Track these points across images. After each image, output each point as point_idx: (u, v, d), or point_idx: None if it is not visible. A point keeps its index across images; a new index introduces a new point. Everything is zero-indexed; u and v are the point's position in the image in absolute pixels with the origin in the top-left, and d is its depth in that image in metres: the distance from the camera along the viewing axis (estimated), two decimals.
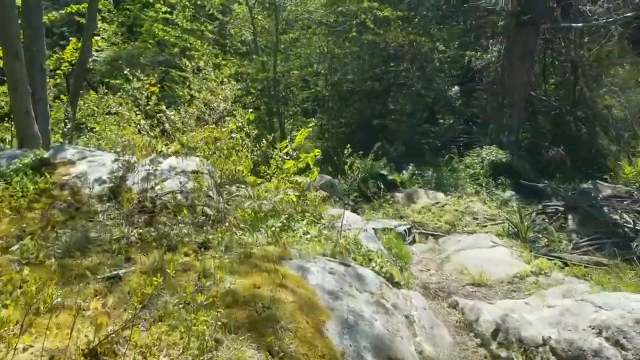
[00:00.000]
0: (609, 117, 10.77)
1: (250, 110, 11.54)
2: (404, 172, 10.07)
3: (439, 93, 14.08)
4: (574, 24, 9.65)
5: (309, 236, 4.23)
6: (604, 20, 9.35)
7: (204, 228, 3.67)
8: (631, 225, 5.78)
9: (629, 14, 8.90)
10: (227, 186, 4.91)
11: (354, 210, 8.62)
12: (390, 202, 8.45)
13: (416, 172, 9.94)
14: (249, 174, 4.99)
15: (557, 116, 11.30)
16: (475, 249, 5.31)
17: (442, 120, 12.72)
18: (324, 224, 4.89)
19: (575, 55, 10.34)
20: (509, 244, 5.66)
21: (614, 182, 9.22)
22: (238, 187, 5.10)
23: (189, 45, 11.55)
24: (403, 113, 12.52)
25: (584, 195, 7.56)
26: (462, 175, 9.31)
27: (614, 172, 9.55)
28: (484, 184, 8.85)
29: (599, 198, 7.12)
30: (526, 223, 6.22)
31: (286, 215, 4.47)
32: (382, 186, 10.06)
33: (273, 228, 3.96)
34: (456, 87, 15.17)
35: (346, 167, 9.33)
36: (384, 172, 10.05)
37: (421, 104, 13.30)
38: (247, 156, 5.21)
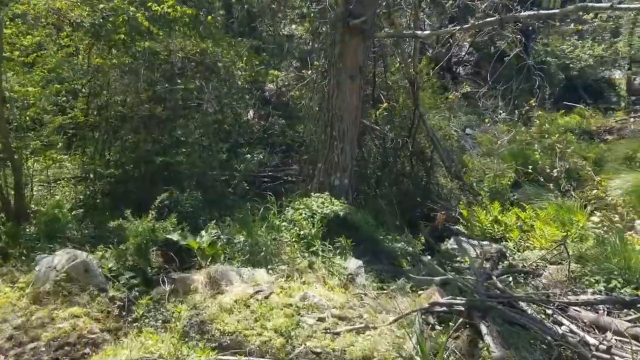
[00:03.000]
0: (449, 149, 9.50)
1: None
2: (203, 233, 7.26)
3: (237, 119, 11.68)
4: (419, 32, 8.04)
5: None
6: (458, 27, 7.86)
7: None
8: (605, 355, 3.87)
9: (490, 19, 7.49)
10: None
11: (120, 315, 5.57)
12: (183, 296, 5.60)
13: (221, 234, 7.18)
14: None
15: (390, 149, 9.68)
16: None
17: (248, 155, 10.21)
18: None
19: (414, 72, 8.77)
20: None
21: (469, 232, 7.74)
22: None
23: None
24: (197, 146, 9.74)
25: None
26: (287, 237, 6.82)
27: (467, 220, 8.10)
28: (319, 251, 6.51)
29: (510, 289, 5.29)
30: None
31: None
32: (174, 257, 7.14)
33: None
34: (251, 112, 13.04)
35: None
36: (174, 236, 7.11)
37: (220, 133, 10.68)
38: None
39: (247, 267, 6.25)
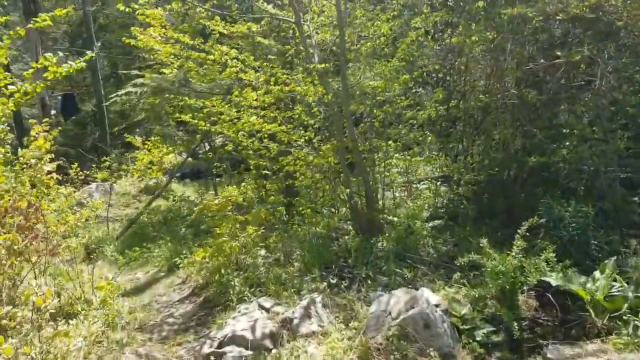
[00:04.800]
0: None
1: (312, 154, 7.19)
2: (597, 275, 4.90)
3: None
4: None
5: None
6: None
7: None
8: None
9: None
10: None
11: None
12: None
13: (625, 285, 4.67)
14: None
15: None
16: None
17: None
18: None
19: None
20: None
21: None
22: None
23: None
24: (585, 140, 7.18)
25: None
26: None
27: None
28: None
29: None
30: None
31: None
32: (553, 302, 5.05)
33: None
34: None
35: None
36: (552, 278, 4.98)
37: (618, 118, 7.78)
38: None
39: None
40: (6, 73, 5.18)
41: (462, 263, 5.32)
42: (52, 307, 5.54)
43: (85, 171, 11.46)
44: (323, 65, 6.74)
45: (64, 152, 17.85)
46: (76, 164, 11.29)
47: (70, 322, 5.45)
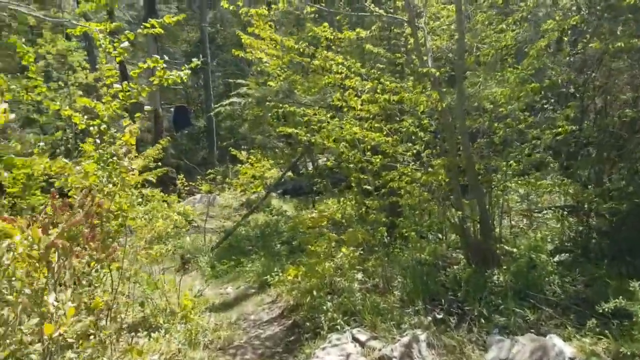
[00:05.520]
0: None
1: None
2: None
3: None
4: None
5: None
6: None
7: None
8: None
9: None
10: None
11: None
12: None
13: None
14: None
15: None
16: None
17: None
18: None
19: None
20: None
21: None
22: None
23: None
24: None
25: None
26: None
27: None
28: None
29: None
30: None
31: None
32: None
33: None
34: None
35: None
36: None
37: None
38: None
39: None
40: (116, 70, 4.98)
41: (606, 310, 4.27)
42: (132, 318, 5.23)
43: (191, 182, 11.57)
44: (438, 72, 5.98)
45: (176, 164, 18.42)
46: (182, 175, 11.44)
47: (152, 335, 5.11)
